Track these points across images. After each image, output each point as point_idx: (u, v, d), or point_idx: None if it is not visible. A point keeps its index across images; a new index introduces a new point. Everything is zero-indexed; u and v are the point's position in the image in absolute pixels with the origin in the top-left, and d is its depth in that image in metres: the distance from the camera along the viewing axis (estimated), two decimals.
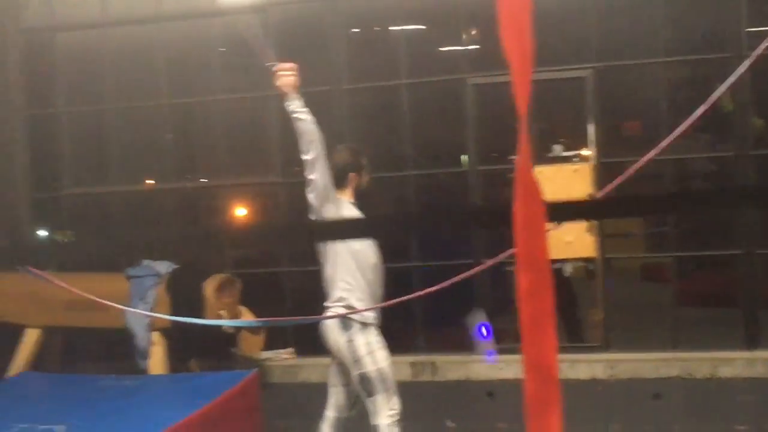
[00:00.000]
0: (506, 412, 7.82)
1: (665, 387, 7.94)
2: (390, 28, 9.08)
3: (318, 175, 6.01)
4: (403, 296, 6.30)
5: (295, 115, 5.95)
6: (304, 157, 6.02)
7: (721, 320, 8.56)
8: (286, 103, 6.00)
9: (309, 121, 5.94)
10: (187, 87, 9.47)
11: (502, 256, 6.25)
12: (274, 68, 6.02)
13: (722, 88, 4.84)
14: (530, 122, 2.52)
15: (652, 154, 4.48)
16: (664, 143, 4.68)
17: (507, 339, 8.50)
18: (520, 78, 2.74)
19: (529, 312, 2.65)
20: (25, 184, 9.60)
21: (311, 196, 6.12)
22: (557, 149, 8.43)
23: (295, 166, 8.75)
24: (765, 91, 8.08)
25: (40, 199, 9.67)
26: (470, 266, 6.84)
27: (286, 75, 5.99)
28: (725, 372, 7.99)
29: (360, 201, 6.41)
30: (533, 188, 2.60)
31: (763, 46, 4.37)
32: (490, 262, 7.00)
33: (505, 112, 8.25)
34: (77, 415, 7.10)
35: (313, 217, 6.27)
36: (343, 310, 6.19)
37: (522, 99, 2.61)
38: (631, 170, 4.24)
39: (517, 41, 2.78)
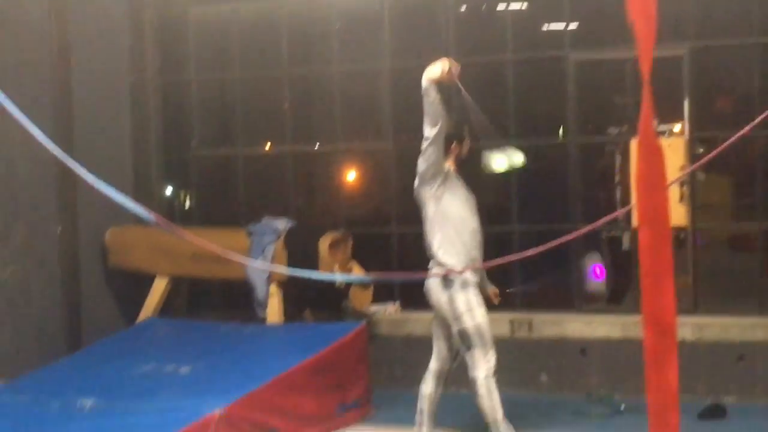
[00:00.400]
0: (598, 368, 8.06)
1: (749, 350, 7.82)
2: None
3: (436, 146, 6.40)
4: (503, 257, 6.66)
5: (431, 99, 6.31)
6: (430, 130, 6.39)
7: None
8: (427, 88, 6.35)
9: (439, 103, 6.31)
10: (306, 58, 9.57)
11: (601, 222, 6.59)
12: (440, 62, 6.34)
13: None
14: (651, 88, 2.84)
15: (745, 129, 4.71)
16: (757, 120, 4.94)
17: (601, 300, 8.69)
18: (644, 45, 2.95)
19: (649, 267, 2.95)
20: (158, 145, 9.79)
21: (425, 164, 6.48)
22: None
23: (404, 134, 9.09)
24: None
25: (170, 160, 9.89)
26: (568, 231, 7.13)
27: (448, 68, 6.33)
28: None
29: (461, 167, 6.77)
30: (655, 149, 2.94)
31: None
32: (588, 228, 7.27)
33: (603, 88, 8.45)
34: (200, 359, 7.55)
35: (417, 182, 6.63)
36: (443, 269, 6.58)
37: (645, 65, 2.89)
38: (724, 146, 4.49)
39: (642, 10, 3.03)
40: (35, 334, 8.44)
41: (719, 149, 4.82)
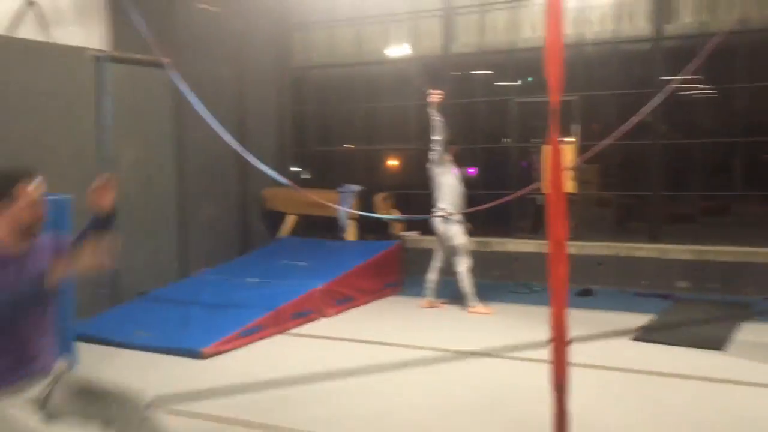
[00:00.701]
0: (523, 268, 8.23)
1: (603, 259, 7.79)
2: None
3: (439, 148, 6.58)
4: (473, 208, 6.86)
5: (434, 118, 6.46)
6: (435, 138, 6.55)
7: None
8: (430, 110, 6.51)
9: (439, 121, 6.46)
10: (369, 98, 9.59)
11: (525, 190, 6.72)
12: (430, 92, 6.48)
13: None
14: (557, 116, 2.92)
15: (605, 142, 4.63)
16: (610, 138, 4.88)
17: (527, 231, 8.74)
18: (553, 91, 3.06)
19: (553, 213, 3.02)
20: (291, 143, 9.89)
21: (434, 156, 6.67)
22: None
23: (421, 141, 9.16)
24: None
25: (297, 152, 9.96)
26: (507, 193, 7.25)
27: (435, 96, 6.48)
28: None
29: (456, 161, 6.89)
30: (557, 150, 3.04)
31: None
32: (517, 193, 7.33)
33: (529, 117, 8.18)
34: (311, 257, 7.80)
35: (430, 165, 6.81)
36: (443, 212, 6.80)
37: (554, 102, 3.02)
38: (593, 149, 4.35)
39: (553, 72, 3.12)
40: (225, 243, 8.63)
41: (591, 151, 4.93)
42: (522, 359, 5.30)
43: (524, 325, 6.34)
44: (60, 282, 2.56)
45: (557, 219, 3.09)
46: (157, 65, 7.23)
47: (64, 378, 2.77)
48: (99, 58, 6.85)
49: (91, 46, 6.93)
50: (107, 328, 6.03)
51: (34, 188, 2.67)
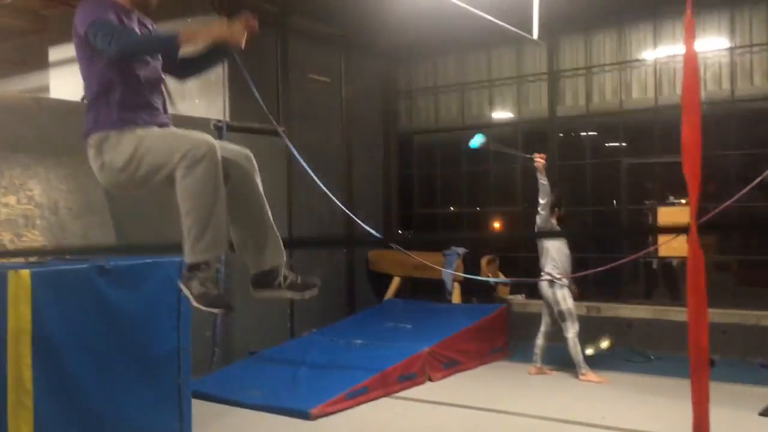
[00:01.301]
0: (637, 335, 7.86)
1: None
2: None
3: (545, 211, 6.47)
4: (581, 273, 6.69)
5: (541, 182, 6.39)
6: (542, 201, 6.46)
7: None
8: (539, 175, 6.45)
9: (547, 185, 6.38)
10: (480, 160, 9.61)
11: (640, 254, 6.47)
12: (534, 157, 6.46)
13: None
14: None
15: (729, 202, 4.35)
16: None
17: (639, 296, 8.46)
18: (692, 193, 2.46)
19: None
20: (396, 206, 10.01)
21: (540, 220, 6.55)
22: None
23: (526, 203, 9.07)
24: None
25: (403, 214, 10.04)
26: (619, 259, 7.03)
27: (540, 161, 6.44)
28: None
29: (561, 224, 6.75)
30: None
31: None
32: (632, 257, 7.11)
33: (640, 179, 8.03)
34: (417, 320, 7.74)
35: (536, 228, 6.71)
36: (549, 276, 6.66)
37: (693, 206, 2.43)
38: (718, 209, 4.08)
39: (691, 173, 2.75)
40: (332, 305, 8.72)
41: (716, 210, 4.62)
42: None
43: (641, 396, 6.04)
44: (186, 43, 2.60)
45: (697, 284, 2.66)
46: (272, 133, 7.61)
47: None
48: (220, 128, 7.26)
49: (212, 117, 7.36)
50: (220, 387, 6.19)
51: None
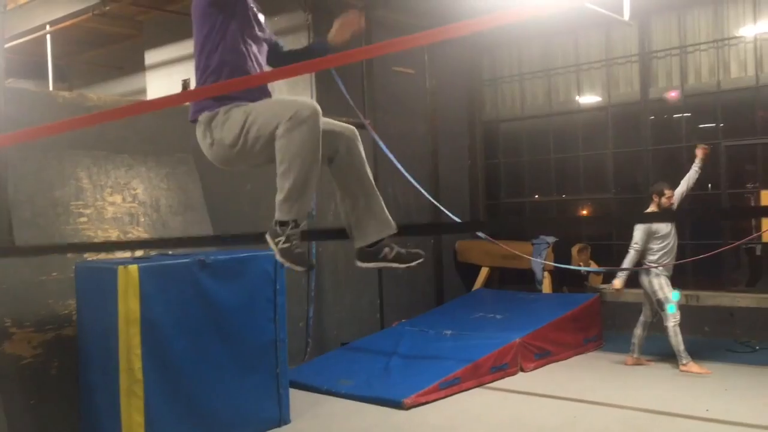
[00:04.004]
0: (740, 324, 7.57)
1: None
2: None
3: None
4: (681, 260, 6.47)
5: (694, 168, 6.46)
6: (683, 186, 6.51)
7: None
8: (697, 162, 6.48)
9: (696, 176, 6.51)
10: (568, 147, 9.54)
11: (743, 241, 6.22)
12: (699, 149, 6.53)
13: None
14: None
15: None
16: None
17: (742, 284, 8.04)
18: None
19: None
20: (483, 196, 9.87)
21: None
22: None
23: (616, 189, 8.80)
24: None
25: (489, 204, 9.93)
26: (720, 245, 6.75)
27: (705, 149, 6.46)
28: None
29: (663, 211, 6.52)
30: None
31: None
32: (734, 244, 6.82)
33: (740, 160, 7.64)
34: (507, 311, 7.65)
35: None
36: (646, 265, 6.46)
37: None
38: None
39: None
40: (421, 295, 8.78)
41: None
42: (747, 426, 4.81)
43: (746, 388, 5.79)
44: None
45: None
46: (358, 126, 7.69)
47: None
48: None
49: None
50: (314, 376, 6.33)
51: None
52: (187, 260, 4.55)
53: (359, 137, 2.87)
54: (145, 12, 9.22)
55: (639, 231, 6.47)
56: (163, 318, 4.31)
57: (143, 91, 9.69)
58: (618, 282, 6.64)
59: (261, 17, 2.99)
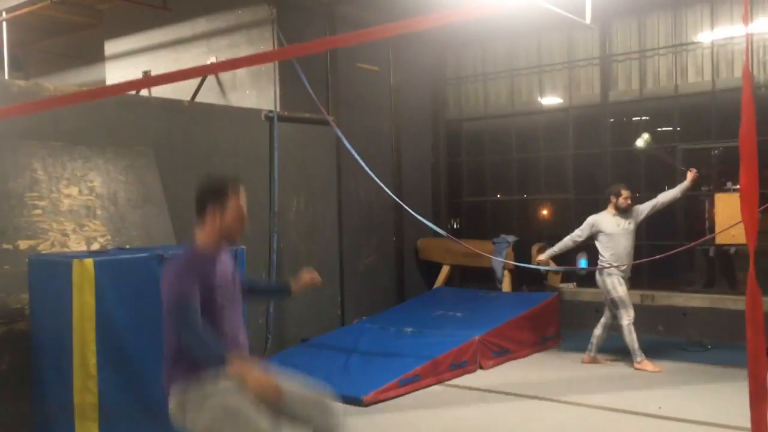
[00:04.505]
0: (693, 324, 7.72)
1: None
2: None
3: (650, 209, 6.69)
4: (636, 261, 6.59)
5: (680, 190, 6.64)
6: (659, 200, 6.72)
7: None
8: (686, 184, 6.58)
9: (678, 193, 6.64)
10: (529, 147, 9.58)
11: (697, 242, 6.34)
12: (691, 172, 6.61)
13: None
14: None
15: None
16: None
17: (697, 284, 8.19)
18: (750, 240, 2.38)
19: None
20: (445, 195, 9.91)
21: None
22: None
23: (580, 189, 8.91)
24: None
25: (451, 202, 9.97)
26: (675, 246, 6.87)
27: (695, 174, 6.59)
28: None
29: (621, 212, 6.61)
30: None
31: None
32: (687, 246, 6.94)
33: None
34: (467, 309, 7.70)
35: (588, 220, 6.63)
36: (601, 264, 6.56)
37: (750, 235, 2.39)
38: None
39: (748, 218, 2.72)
40: (382, 292, 8.79)
41: None
42: (699, 423, 4.93)
43: (698, 385, 5.93)
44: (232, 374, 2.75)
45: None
46: (322, 122, 7.68)
47: None
48: (271, 118, 7.34)
49: (264, 108, 7.45)
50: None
51: (241, 197, 2.87)
52: (145, 255, 4.47)
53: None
54: (105, 1, 9.04)
55: (585, 223, 6.75)
56: (119, 313, 4.22)
57: (102, 81, 9.50)
58: (543, 257, 6.90)
59: (231, 255, 3.03)
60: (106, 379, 4.12)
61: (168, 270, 2.75)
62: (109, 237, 5.25)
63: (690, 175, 6.62)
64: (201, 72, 2.95)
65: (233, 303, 2.94)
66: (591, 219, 6.73)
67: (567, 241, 6.83)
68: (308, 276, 3.36)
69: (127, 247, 5.08)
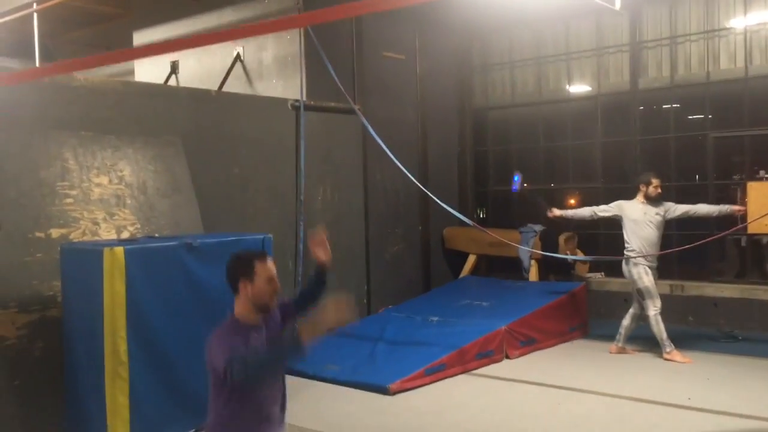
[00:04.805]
0: (724, 314, 7.63)
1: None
2: None
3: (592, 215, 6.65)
4: (665, 251, 6.53)
5: (718, 211, 6.55)
6: (581, 215, 6.85)
7: None
8: (728, 209, 6.50)
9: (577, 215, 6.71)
10: (557, 136, 9.50)
11: (728, 232, 6.26)
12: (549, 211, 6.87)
13: None
14: None
15: None
16: None
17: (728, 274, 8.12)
18: None
19: None
20: (472, 184, 9.86)
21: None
22: None
23: (609, 179, 8.83)
24: None
25: (478, 192, 9.92)
26: (705, 235, 6.79)
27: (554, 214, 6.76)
28: None
29: (650, 202, 6.54)
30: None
31: None
32: (718, 235, 6.84)
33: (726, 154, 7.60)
34: (494, 298, 7.68)
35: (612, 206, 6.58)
36: (628, 254, 6.51)
37: None
38: None
39: None
40: (408, 282, 8.79)
41: None
42: (727, 414, 4.88)
43: (728, 377, 5.86)
44: (312, 345, 2.69)
45: None
46: (348, 111, 7.69)
47: None
48: (297, 107, 7.37)
49: (290, 97, 7.47)
50: (300, 361, 6.31)
51: (270, 266, 2.89)
52: (173, 243, 4.53)
53: None
54: None
55: (614, 203, 6.75)
56: (148, 301, 4.30)
57: (131, 72, 9.60)
58: (557, 211, 6.95)
59: (274, 317, 3.00)
60: (136, 365, 4.20)
61: (212, 340, 2.80)
62: (138, 226, 5.33)
63: (736, 208, 6.53)
64: (221, 38, 3.00)
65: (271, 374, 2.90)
66: (619, 201, 6.73)
67: (587, 210, 6.88)
68: (313, 239, 3.18)
69: (156, 235, 5.15)
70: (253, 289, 2.84)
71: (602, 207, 6.81)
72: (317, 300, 3.13)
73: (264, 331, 2.91)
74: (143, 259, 4.29)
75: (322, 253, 3.15)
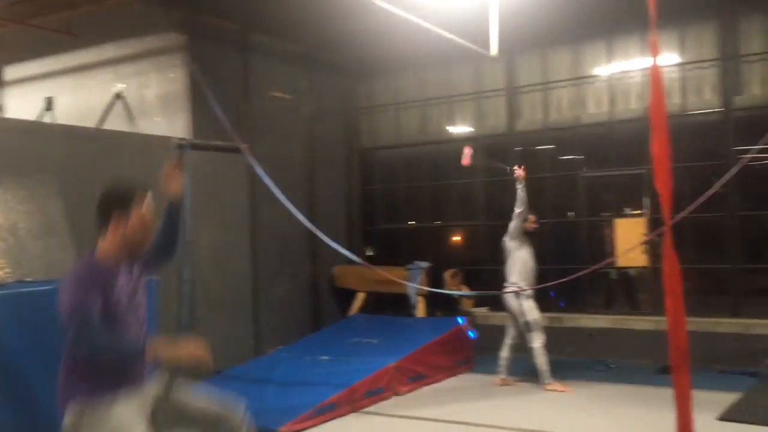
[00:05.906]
0: (598, 344, 7.99)
1: None
2: None
3: (519, 219, 6.56)
4: (543, 285, 6.79)
5: (519, 192, 6.48)
6: (517, 210, 6.59)
7: None
8: (518, 185, 6.54)
9: (524, 195, 6.47)
10: (441, 175, 9.80)
11: (598, 266, 6.60)
12: (513, 171, 6.66)
13: None
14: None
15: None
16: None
17: (600, 306, 8.48)
18: (665, 206, 2.81)
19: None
20: (359, 222, 10.01)
21: (512, 228, 6.65)
22: None
23: (490, 216, 9.13)
24: None
25: (366, 230, 10.05)
26: (579, 270, 7.11)
27: (520, 172, 6.55)
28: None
29: (529, 235, 6.81)
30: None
31: None
32: (589, 269, 7.16)
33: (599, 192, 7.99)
34: (382, 335, 7.69)
35: (507, 239, 6.77)
36: (515, 288, 6.72)
37: (665, 212, 2.82)
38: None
39: (663, 184, 2.87)
40: (297, 321, 8.69)
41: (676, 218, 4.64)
42: None
43: (604, 404, 6.15)
44: (151, 361, 2.61)
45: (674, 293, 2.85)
46: (235, 150, 7.59)
47: (169, 396, 2.82)
48: (182, 146, 7.20)
49: (174, 135, 7.30)
50: None
51: (150, 202, 2.68)
52: (47, 287, 4.29)
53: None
54: (3, 25, 8.68)
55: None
56: (19, 348, 4.03)
57: (1, 108, 9.09)
58: (520, 171, 6.67)
59: (136, 267, 2.78)
60: (3, 414, 3.91)
61: (67, 280, 2.54)
62: (8, 269, 5.00)
63: (517, 174, 6.64)
64: None
65: (135, 317, 2.72)
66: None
67: (522, 198, 6.64)
68: (164, 171, 2.98)
69: (29, 279, 4.86)
70: (129, 225, 2.59)
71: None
72: (174, 238, 2.90)
73: (129, 278, 2.65)
74: (14, 304, 4.03)
75: (173, 185, 2.91)
